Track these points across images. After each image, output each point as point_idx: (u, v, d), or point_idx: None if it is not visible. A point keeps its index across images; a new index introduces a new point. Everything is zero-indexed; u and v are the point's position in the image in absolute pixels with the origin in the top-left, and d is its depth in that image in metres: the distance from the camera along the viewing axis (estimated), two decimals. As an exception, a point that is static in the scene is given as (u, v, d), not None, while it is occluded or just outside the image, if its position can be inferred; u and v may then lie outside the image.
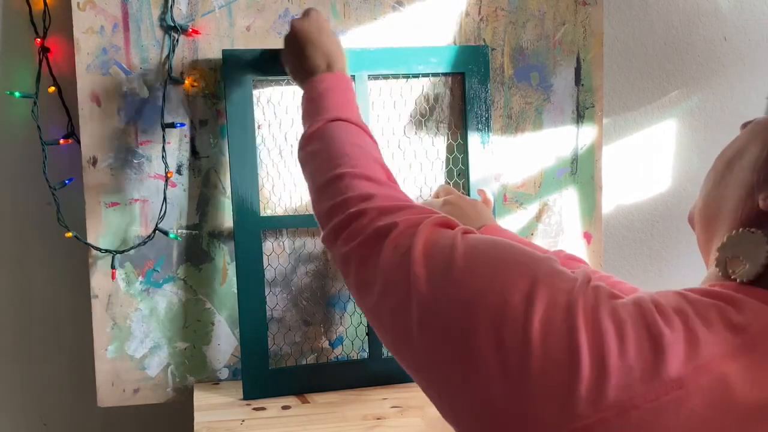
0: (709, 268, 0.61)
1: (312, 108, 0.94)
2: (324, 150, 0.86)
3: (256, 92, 1.16)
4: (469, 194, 1.21)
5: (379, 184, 0.78)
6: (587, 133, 1.29)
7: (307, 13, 1.04)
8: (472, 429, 0.55)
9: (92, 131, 1.14)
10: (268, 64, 1.13)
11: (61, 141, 1.17)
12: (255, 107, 1.15)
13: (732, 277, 0.55)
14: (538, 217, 1.29)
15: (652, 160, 1.45)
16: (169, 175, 1.15)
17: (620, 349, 0.49)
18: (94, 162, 1.14)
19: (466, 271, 0.58)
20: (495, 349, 0.53)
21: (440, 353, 0.57)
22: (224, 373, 1.20)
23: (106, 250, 1.14)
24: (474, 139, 1.22)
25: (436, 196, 1.16)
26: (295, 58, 1.01)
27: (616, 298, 0.53)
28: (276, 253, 1.19)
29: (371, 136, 0.91)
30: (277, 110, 1.18)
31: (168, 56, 1.14)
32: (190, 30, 1.14)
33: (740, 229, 0.56)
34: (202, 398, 1.14)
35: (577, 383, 0.49)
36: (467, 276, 0.57)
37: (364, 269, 0.68)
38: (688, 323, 0.51)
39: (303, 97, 0.98)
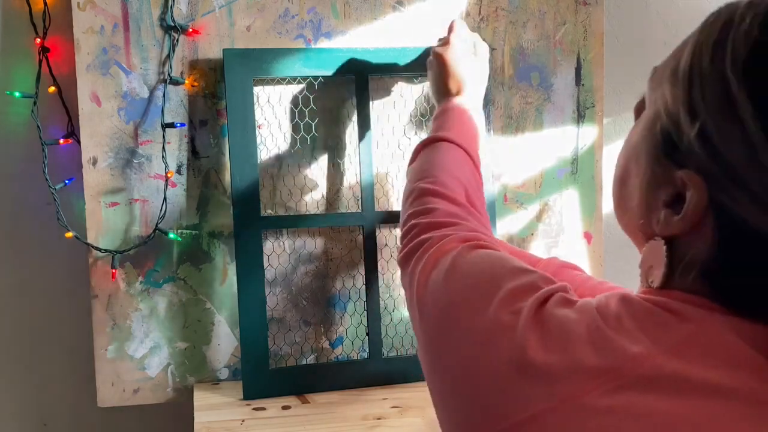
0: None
1: (434, 126, 1.01)
2: (420, 165, 0.93)
3: (256, 92, 1.16)
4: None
5: (449, 202, 0.84)
6: (588, 133, 1.29)
7: (447, 40, 1.08)
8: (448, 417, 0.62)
9: (92, 131, 1.14)
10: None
11: (61, 141, 1.17)
12: (255, 107, 1.15)
13: (649, 284, 0.59)
14: (538, 217, 1.29)
15: (652, 160, 1.45)
16: (169, 175, 1.15)
17: (562, 347, 0.54)
18: (94, 162, 1.14)
19: (448, 284, 0.66)
20: (459, 352, 0.60)
21: (431, 359, 0.65)
22: (224, 373, 1.20)
23: (106, 250, 1.14)
24: (474, 139, 1.22)
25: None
26: (433, 82, 1.08)
27: (569, 305, 0.57)
28: (276, 253, 1.19)
29: (476, 165, 0.96)
30: (277, 110, 1.18)
31: (168, 56, 1.14)
32: (190, 30, 1.14)
33: (650, 241, 0.60)
34: (202, 398, 1.14)
35: (522, 379, 0.54)
36: (448, 288, 0.66)
37: (403, 276, 0.78)
38: (623, 324, 0.54)
39: (433, 114, 1.05)
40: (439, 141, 0.95)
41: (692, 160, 0.54)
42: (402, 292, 1.24)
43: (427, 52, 1.19)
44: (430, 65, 1.09)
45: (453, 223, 0.77)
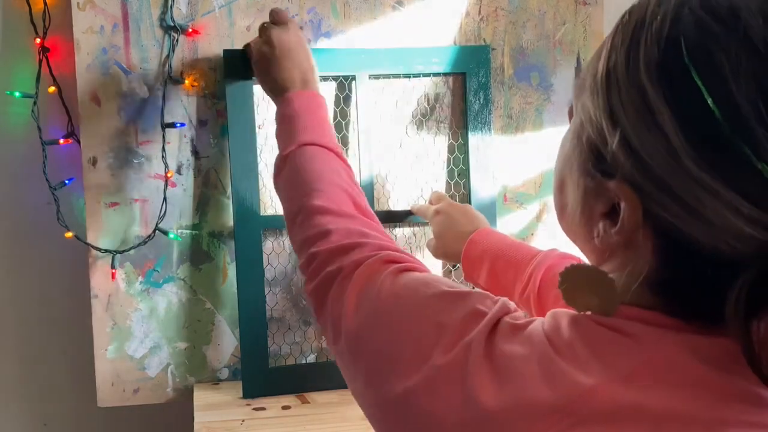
0: None
1: (285, 129, 0.94)
2: (292, 180, 0.88)
3: (256, 92, 1.16)
4: (469, 195, 1.21)
5: (340, 216, 0.79)
6: (587, 133, 1.29)
7: (284, 23, 1.03)
8: None
9: (92, 131, 1.14)
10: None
11: (61, 141, 1.17)
12: (255, 107, 1.15)
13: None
14: (538, 217, 1.29)
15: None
16: (169, 175, 1.15)
17: (514, 387, 0.51)
18: (94, 162, 1.14)
19: (384, 319, 0.63)
20: (408, 404, 0.56)
21: (366, 396, 0.62)
22: (224, 373, 1.20)
23: (106, 250, 1.14)
24: (474, 139, 1.22)
25: (429, 203, 1.17)
26: (271, 70, 1.00)
27: (517, 334, 0.55)
28: (276, 253, 1.19)
29: (343, 159, 0.91)
30: (277, 110, 1.18)
31: (168, 56, 1.14)
32: (190, 30, 1.14)
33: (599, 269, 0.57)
34: (202, 398, 1.14)
35: (477, 427, 0.52)
36: (383, 325, 0.62)
37: (319, 313, 0.73)
38: (576, 353, 0.52)
39: (276, 112, 0.98)
40: (304, 146, 0.89)
41: (620, 171, 0.51)
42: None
43: (428, 51, 1.19)
44: (266, 50, 1.00)
45: (355, 244, 0.73)
